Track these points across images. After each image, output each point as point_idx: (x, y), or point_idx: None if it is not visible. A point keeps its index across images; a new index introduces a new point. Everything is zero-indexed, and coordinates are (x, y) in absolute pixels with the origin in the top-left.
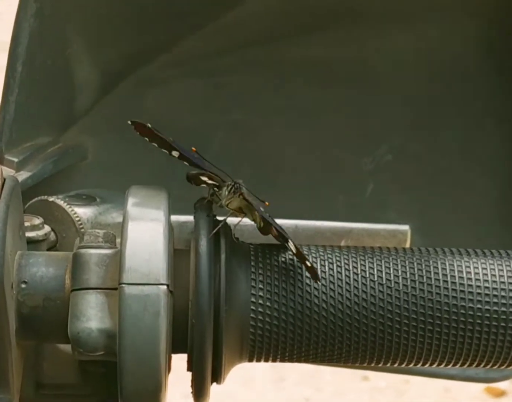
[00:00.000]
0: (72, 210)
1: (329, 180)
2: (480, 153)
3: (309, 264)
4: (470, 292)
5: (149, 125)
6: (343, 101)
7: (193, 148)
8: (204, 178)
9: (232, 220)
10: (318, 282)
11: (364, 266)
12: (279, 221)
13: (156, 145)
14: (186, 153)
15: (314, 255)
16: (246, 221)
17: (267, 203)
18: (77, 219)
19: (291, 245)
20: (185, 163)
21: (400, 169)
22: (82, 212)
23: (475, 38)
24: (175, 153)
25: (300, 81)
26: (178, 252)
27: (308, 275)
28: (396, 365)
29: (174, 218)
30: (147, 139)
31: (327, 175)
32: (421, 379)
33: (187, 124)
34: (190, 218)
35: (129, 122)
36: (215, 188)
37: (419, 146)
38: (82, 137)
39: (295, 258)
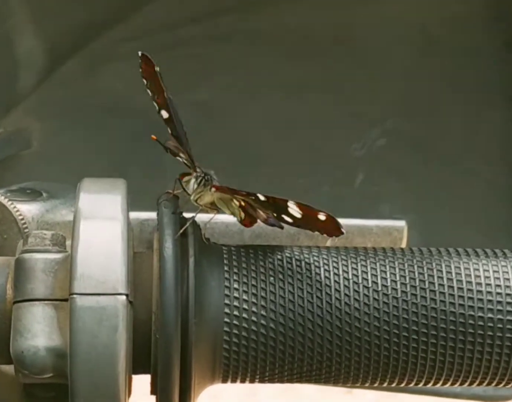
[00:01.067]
0: (14, 207)
1: (312, 170)
2: (486, 137)
3: (323, 217)
4: (479, 299)
5: (157, 68)
6: (327, 77)
7: (153, 136)
8: (181, 154)
9: (201, 218)
10: (310, 287)
11: (356, 269)
12: None
13: (150, 94)
14: (176, 121)
15: (297, 257)
16: (217, 218)
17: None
18: (20, 217)
19: (292, 207)
20: (168, 130)
21: (394, 156)
22: (26, 209)
23: (481, 4)
24: (164, 113)
25: (276, 55)
26: (139, 256)
27: (292, 279)
28: (394, 385)
29: (133, 215)
30: (144, 81)
31: (309, 163)
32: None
33: (146, 105)
34: (152, 215)
35: (139, 53)
36: (183, 180)
37: (416, 129)
38: (25, 121)
39: (276, 259)
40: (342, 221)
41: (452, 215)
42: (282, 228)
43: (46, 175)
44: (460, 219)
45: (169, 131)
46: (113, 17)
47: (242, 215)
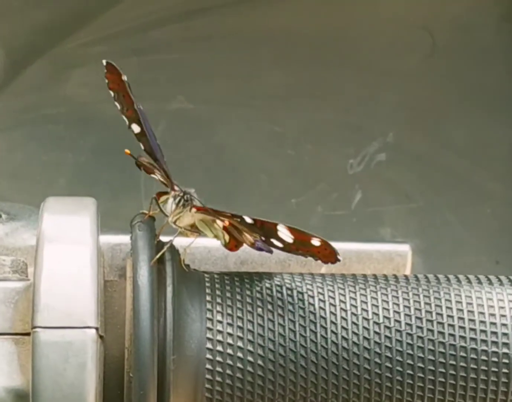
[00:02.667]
0: None
1: (303, 188)
2: (496, 151)
3: (317, 243)
4: (493, 333)
5: (125, 77)
6: (320, 85)
7: (126, 151)
8: (156, 172)
9: (181, 242)
10: (303, 319)
11: (355, 299)
12: None
13: (118, 106)
14: (149, 134)
15: (288, 285)
16: (198, 242)
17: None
18: None
19: (282, 231)
20: (141, 145)
21: (396, 173)
22: None
23: (488, 4)
24: (135, 128)
25: (261, 60)
26: (110, 285)
27: (283, 310)
28: None
29: (104, 238)
30: (112, 93)
31: (300, 181)
32: None
33: (117, 115)
34: (125, 239)
35: (103, 62)
36: (160, 199)
37: (419, 143)
38: None
39: (265, 288)
40: (338, 245)
41: (460, 238)
42: (271, 252)
43: (5, 194)
44: (469, 242)
45: (142, 147)
46: (78, 20)
47: (227, 237)
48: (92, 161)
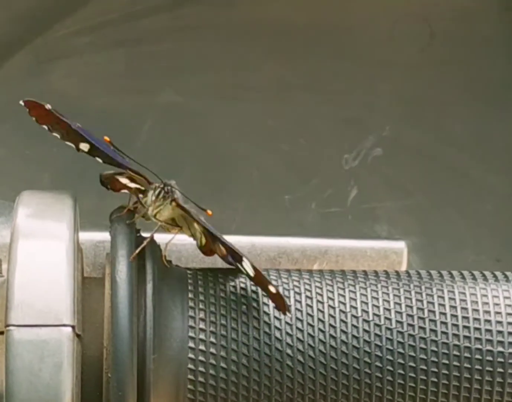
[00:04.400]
0: None
1: (296, 184)
2: (497, 145)
3: (273, 290)
4: (488, 331)
5: (48, 106)
6: (315, 77)
7: (106, 138)
8: (124, 181)
9: (163, 238)
10: (288, 314)
11: (344, 296)
12: (229, 238)
13: (58, 136)
14: (100, 145)
15: (274, 282)
16: (184, 238)
17: (209, 212)
18: None
19: (246, 265)
20: (98, 160)
21: (392, 168)
22: None
23: None
24: (83, 146)
25: (255, 51)
26: (89, 281)
27: (268, 308)
28: None
29: (86, 235)
30: (45, 127)
31: (293, 177)
32: None
33: (105, 109)
34: (108, 236)
35: (20, 102)
36: (139, 194)
37: (417, 137)
38: None
39: (250, 285)
40: (331, 241)
41: (459, 235)
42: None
43: None
44: (469, 240)
45: (100, 161)
46: (62, 9)
47: (203, 240)
48: (77, 156)
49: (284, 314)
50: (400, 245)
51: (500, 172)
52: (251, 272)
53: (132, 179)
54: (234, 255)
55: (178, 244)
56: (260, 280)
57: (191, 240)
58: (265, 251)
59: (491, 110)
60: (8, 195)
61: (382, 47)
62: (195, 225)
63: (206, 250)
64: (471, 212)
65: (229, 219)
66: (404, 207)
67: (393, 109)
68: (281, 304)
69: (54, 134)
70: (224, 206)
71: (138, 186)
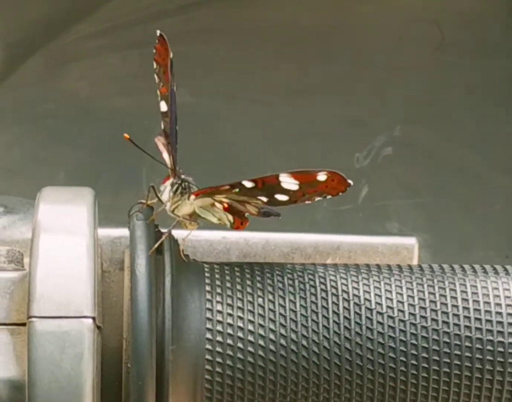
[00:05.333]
0: None
1: None
2: (505, 147)
3: (323, 177)
4: (499, 323)
5: (171, 54)
6: (326, 79)
7: (126, 135)
8: (165, 157)
9: (180, 234)
10: (304, 309)
11: (358, 289)
12: (242, 234)
13: (156, 78)
14: (172, 116)
15: (289, 276)
16: (200, 235)
17: None
18: None
19: (284, 178)
20: (162, 124)
21: (403, 167)
22: None
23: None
24: (162, 106)
25: (266, 53)
26: (108, 275)
27: (284, 300)
28: None
29: (103, 232)
30: (154, 64)
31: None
32: None
33: (118, 108)
34: (126, 232)
35: (157, 32)
36: (159, 187)
37: (427, 137)
38: None
39: (266, 278)
40: (343, 237)
41: (468, 233)
42: (279, 215)
43: (3, 188)
44: (478, 237)
45: (162, 126)
46: (77, 13)
47: (230, 217)
48: (92, 156)
49: (346, 188)
50: (411, 241)
51: (508, 172)
52: (293, 183)
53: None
54: (268, 187)
55: (194, 240)
56: (306, 179)
57: (206, 236)
58: (279, 246)
59: (499, 112)
60: (25, 194)
61: (392, 50)
62: (216, 207)
63: (237, 225)
64: (480, 210)
65: None
66: (414, 205)
67: (403, 110)
68: (338, 183)
69: (155, 75)
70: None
71: (168, 166)
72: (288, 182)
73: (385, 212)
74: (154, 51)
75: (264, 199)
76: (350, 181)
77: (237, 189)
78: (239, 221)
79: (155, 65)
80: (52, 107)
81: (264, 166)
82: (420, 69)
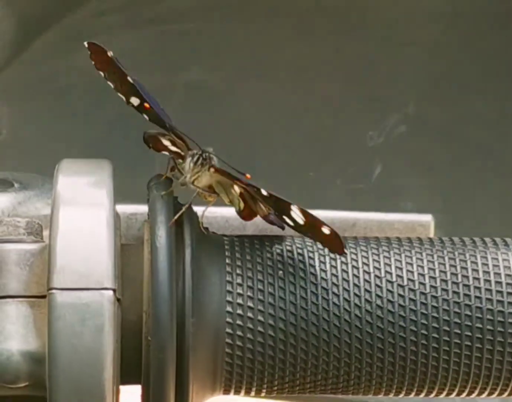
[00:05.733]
0: None
1: (323, 161)
2: None
3: (327, 231)
4: (510, 294)
5: (110, 53)
6: (340, 56)
7: (146, 104)
8: (166, 142)
9: (197, 209)
10: (345, 251)
11: (378, 262)
12: None
13: (112, 85)
14: (151, 103)
15: (310, 248)
16: (216, 211)
17: (248, 176)
18: None
19: (295, 212)
20: (145, 117)
21: (417, 146)
22: None
23: None
24: (134, 101)
25: (280, 30)
26: (127, 248)
27: (305, 273)
28: (422, 396)
29: (119, 208)
30: (102, 74)
31: (319, 153)
32: None
33: None
34: (140, 208)
35: (85, 44)
36: (178, 160)
37: (442, 114)
38: None
39: (286, 251)
40: (359, 214)
41: (484, 212)
42: (283, 228)
43: (18, 164)
44: (493, 216)
45: (147, 118)
46: None
47: (242, 205)
48: (105, 132)
49: (341, 253)
50: (427, 218)
51: None
52: (301, 219)
53: (173, 143)
54: (279, 207)
55: (209, 216)
56: (312, 222)
57: (222, 212)
58: None
59: None
60: (39, 170)
61: (406, 26)
62: (233, 189)
63: (245, 214)
64: (496, 188)
65: None
66: (428, 184)
67: (416, 87)
68: (337, 245)
69: (109, 82)
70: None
71: (178, 150)
72: (297, 215)
73: (398, 191)
74: (93, 62)
75: (273, 211)
76: (346, 250)
77: (253, 188)
78: (248, 212)
79: (102, 74)
80: (66, 83)
81: (276, 144)
82: (434, 46)
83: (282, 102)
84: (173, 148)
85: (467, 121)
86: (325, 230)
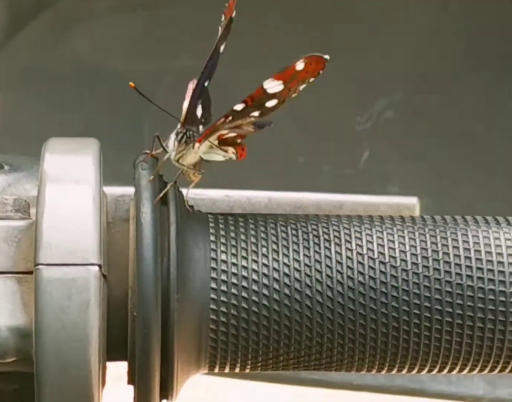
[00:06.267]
0: None
1: (310, 146)
2: (506, 111)
3: (301, 64)
4: (500, 272)
5: (234, 15)
6: (330, 41)
7: (131, 84)
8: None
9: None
10: (307, 258)
11: (360, 239)
12: (245, 192)
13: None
14: (207, 69)
15: (293, 226)
16: (203, 193)
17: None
18: None
19: (269, 83)
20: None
21: (404, 131)
22: None
23: None
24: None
25: (273, 17)
26: (113, 226)
27: (288, 250)
28: (403, 372)
29: (107, 190)
30: (222, 18)
31: (307, 138)
32: None
33: (123, 71)
34: (129, 190)
35: None
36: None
37: (429, 100)
38: None
39: (270, 228)
40: (345, 196)
41: (468, 197)
42: (270, 123)
43: (8, 149)
44: (480, 201)
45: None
46: None
47: (232, 149)
48: (97, 118)
49: (324, 64)
50: (412, 201)
51: (510, 136)
52: (279, 85)
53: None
54: (257, 101)
55: (197, 199)
56: (288, 76)
57: (209, 194)
58: (282, 205)
59: (502, 77)
60: (30, 155)
61: (397, 13)
62: (220, 146)
63: (240, 153)
64: (482, 174)
65: (248, 176)
66: (415, 169)
67: (405, 73)
68: (316, 64)
69: (219, 28)
70: (241, 165)
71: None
72: (273, 86)
73: (386, 176)
74: (226, 5)
75: (256, 114)
76: (326, 56)
77: (230, 117)
78: (240, 149)
79: (222, 18)
80: (58, 70)
81: (266, 131)
82: (424, 34)
83: None
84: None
85: (454, 107)
86: (299, 66)
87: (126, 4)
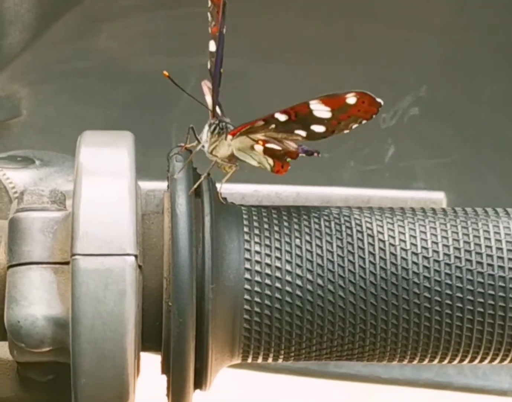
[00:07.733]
0: (4, 174)
1: (335, 143)
2: None
3: (353, 99)
4: None
5: None
6: (353, 38)
7: (165, 73)
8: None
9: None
10: (341, 249)
11: (393, 230)
12: (274, 187)
13: (209, 17)
14: (218, 58)
15: (326, 217)
16: (233, 188)
17: None
18: (11, 185)
19: (314, 104)
20: (208, 64)
21: (429, 127)
22: (18, 177)
23: None
24: (211, 45)
25: (294, 13)
26: (147, 217)
27: (321, 241)
28: (434, 362)
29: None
30: (209, 2)
31: (333, 136)
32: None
33: (149, 69)
34: (159, 185)
35: None
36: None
37: (454, 97)
38: (13, 86)
39: (303, 220)
40: (373, 191)
41: (495, 193)
42: (318, 153)
43: (38, 144)
44: (504, 197)
45: (208, 66)
46: None
47: (270, 161)
48: (122, 114)
49: (377, 109)
50: (439, 196)
51: None
52: (326, 111)
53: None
54: (302, 120)
55: (226, 193)
56: (337, 104)
57: (238, 189)
58: (310, 200)
59: None
60: (57, 150)
61: (417, 9)
62: (255, 151)
63: (277, 168)
64: (507, 169)
65: (270, 176)
66: (440, 165)
67: (428, 70)
68: (369, 105)
69: (208, 13)
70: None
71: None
72: (320, 110)
73: (411, 172)
74: None
75: (302, 133)
76: (380, 100)
77: (273, 125)
78: (280, 164)
79: (209, 3)
80: (84, 66)
81: None
82: (445, 29)
83: (293, 84)
84: (207, 104)
85: (477, 103)
86: (351, 100)
87: (150, 2)
